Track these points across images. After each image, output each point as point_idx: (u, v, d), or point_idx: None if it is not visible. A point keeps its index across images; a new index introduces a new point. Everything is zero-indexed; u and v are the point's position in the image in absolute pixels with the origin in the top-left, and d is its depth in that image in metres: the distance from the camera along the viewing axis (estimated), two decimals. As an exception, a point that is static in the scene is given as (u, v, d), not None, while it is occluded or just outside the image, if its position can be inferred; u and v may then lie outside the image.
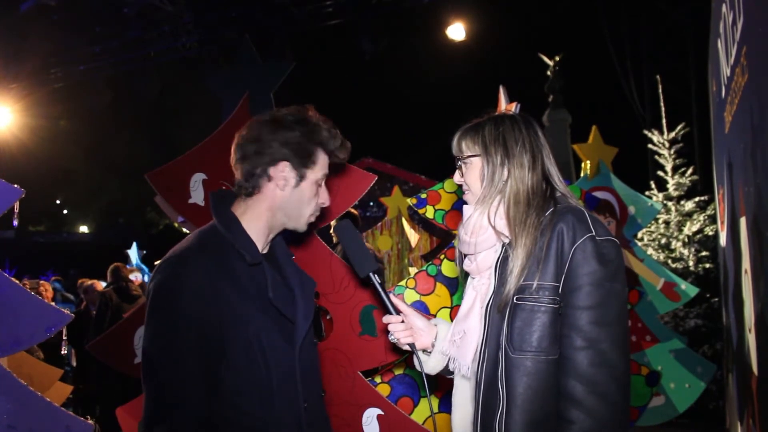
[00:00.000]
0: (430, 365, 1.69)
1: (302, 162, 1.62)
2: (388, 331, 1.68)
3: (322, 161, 1.67)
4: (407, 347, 1.67)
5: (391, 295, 1.69)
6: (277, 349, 1.55)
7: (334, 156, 1.71)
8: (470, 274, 1.63)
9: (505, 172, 1.53)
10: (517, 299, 1.44)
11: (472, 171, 1.58)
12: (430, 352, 1.70)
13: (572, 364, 1.39)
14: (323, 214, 1.81)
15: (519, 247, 1.46)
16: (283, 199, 1.63)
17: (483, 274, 1.57)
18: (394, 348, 1.80)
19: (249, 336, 1.51)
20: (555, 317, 1.42)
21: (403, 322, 1.66)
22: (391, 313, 1.65)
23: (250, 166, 1.61)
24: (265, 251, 1.68)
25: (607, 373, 1.38)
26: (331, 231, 4.96)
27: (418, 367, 1.66)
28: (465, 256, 1.63)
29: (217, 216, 1.62)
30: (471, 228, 1.57)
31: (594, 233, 1.42)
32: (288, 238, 1.78)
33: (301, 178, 1.63)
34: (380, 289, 1.66)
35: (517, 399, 1.41)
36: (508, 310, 1.45)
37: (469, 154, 1.58)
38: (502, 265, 1.51)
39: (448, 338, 1.65)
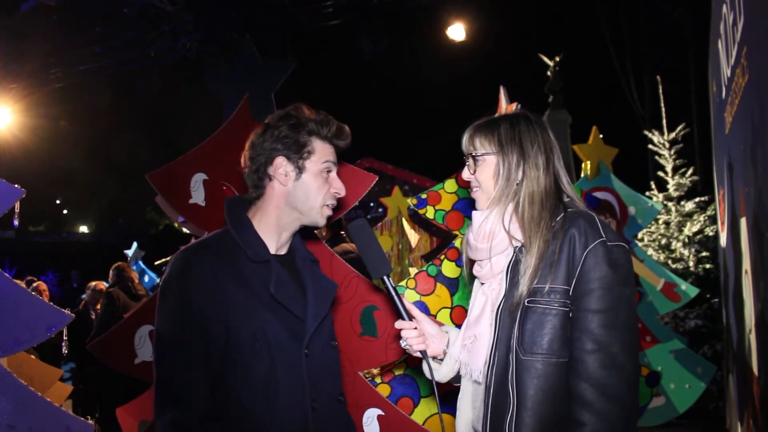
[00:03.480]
0: (443, 372, 1.68)
1: (297, 154, 1.64)
2: (400, 337, 1.65)
3: (320, 150, 1.67)
4: (419, 354, 1.64)
5: (405, 300, 1.66)
6: (282, 345, 1.55)
7: (334, 143, 1.70)
8: (480, 280, 1.63)
9: (520, 173, 1.53)
10: (528, 302, 1.45)
11: (486, 169, 1.57)
12: (441, 360, 1.68)
13: (583, 367, 1.40)
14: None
15: (532, 248, 1.46)
16: (288, 195, 1.65)
17: (494, 279, 1.56)
18: (395, 348, 1.79)
19: (253, 330, 1.53)
20: (566, 320, 1.43)
21: (416, 328, 1.63)
22: (404, 319, 1.63)
23: (251, 172, 1.66)
24: (282, 252, 1.71)
25: (617, 375, 1.39)
26: (342, 232, 4.96)
27: (428, 375, 1.63)
28: (473, 261, 1.63)
29: (229, 217, 1.66)
30: (483, 234, 1.55)
31: (605, 238, 1.43)
32: None
33: (300, 169, 1.64)
34: (394, 293, 1.62)
35: (527, 401, 1.41)
36: (519, 312, 1.45)
37: (484, 151, 1.57)
38: (513, 269, 1.51)
39: (459, 343, 1.64)
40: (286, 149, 1.63)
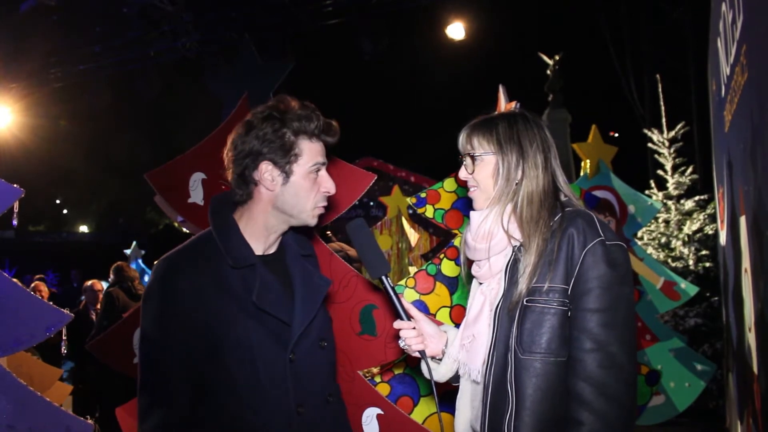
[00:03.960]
0: (441, 372, 1.67)
1: (284, 157, 1.56)
2: (398, 337, 1.64)
3: (308, 151, 1.59)
4: (417, 354, 1.64)
5: (403, 300, 1.65)
6: (265, 352, 1.53)
7: (322, 139, 1.63)
8: (479, 279, 1.62)
9: (519, 172, 1.52)
10: (527, 301, 1.44)
11: (484, 169, 1.57)
12: (439, 359, 1.68)
13: (581, 366, 1.40)
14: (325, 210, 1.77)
15: (531, 247, 1.46)
16: (276, 199, 1.59)
17: (492, 278, 1.56)
18: (394, 347, 1.78)
19: (236, 337, 1.50)
20: (564, 319, 1.43)
21: (414, 328, 1.62)
22: (402, 319, 1.62)
23: (235, 175, 1.59)
24: (271, 251, 1.66)
25: (615, 374, 1.39)
26: (328, 232, 4.96)
27: (426, 375, 1.63)
28: (471, 261, 1.63)
29: (212, 220, 1.61)
30: (482, 234, 1.55)
31: (603, 237, 1.43)
32: None
33: (287, 174, 1.57)
34: (392, 293, 1.61)
35: (525, 400, 1.41)
36: (517, 312, 1.45)
37: (482, 151, 1.56)
38: (512, 268, 1.51)
39: (458, 343, 1.63)
40: (271, 153, 1.55)
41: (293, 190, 1.59)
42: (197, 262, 1.53)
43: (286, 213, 1.61)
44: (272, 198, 1.59)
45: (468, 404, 1.62)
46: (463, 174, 1.63)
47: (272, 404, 1.53)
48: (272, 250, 1.67)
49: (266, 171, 1.56)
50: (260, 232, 1.62)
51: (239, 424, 1.51)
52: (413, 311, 1.65)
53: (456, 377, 1.68)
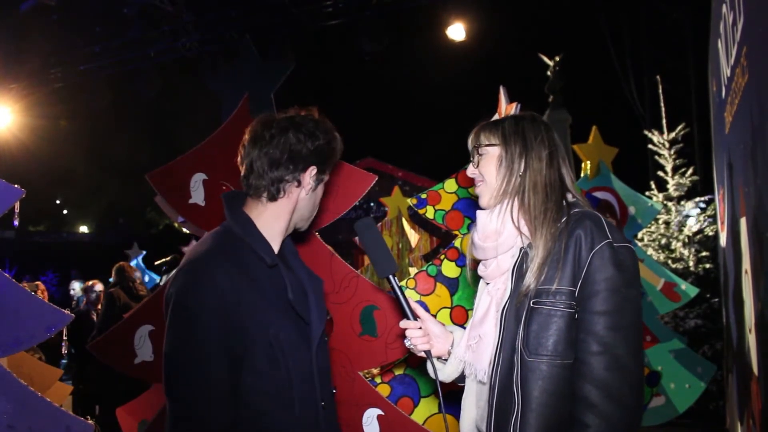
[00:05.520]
0: (447, 372, 1.68)
1: (324, 168, 1.67)
2: (404, 336, 1.64)
3: None
4: (423, 354, 1.64)
5: (410, 299, 1.65)
6: (296, 350, 1.55)
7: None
8: (485, 279, 1.62)
9: (523, 164, 1.53)
10: (533, 303, 1.44)
11: (489, 161, 1.58)
12: (445, 360, 1.68)
13: (588, 369, 1.40)
14: (322, 214, 1.83)
15: (539, 241, 1.46)
16: (304, 202, 1.66)
17: (499, 278, 1.56)
18: (395, 348, 1.78)
19: (269, 338, 1.50)
20: (571, 322, 1.42)
21: (420, 328, 1.63)
22: (408, 318, 1.62)
23: (281, 173, 1.60)
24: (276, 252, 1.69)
25: (622, 377, 1.39)
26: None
27: (432, 375, 1.63)
28: (476, 263, 1.63)
29: (233, 218, 1.60)
30: (489, 232, 1.56)
31: (611, 239, 1.43)
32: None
33: (319, 182, 1.68)
34: (399, 293, 1.61)
35: (532, 403, 1.41)
36: (524, 313, 1.45)
37: (487, 143, 1.58)
38: (519, 268, 1.51)
39: (464, 344, 1.63)
40: (320, 161, 1.65)
41: (315, 196, 1.70)
42: (228, 264, 1.49)
43: (301, 216, 1.68)
44: (300, 200, 1.65)
45: (473, 404, 1.62)
46: (470, 170, 1.64)
47: (302, 402, 1.55)
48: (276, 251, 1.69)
49: (310, 176, 1.64)
50: (280, 232, 1.64)
51: (272, 424, 1.51)
52: (420, 311, 1.65)
53: (461, 377, 1.68)
